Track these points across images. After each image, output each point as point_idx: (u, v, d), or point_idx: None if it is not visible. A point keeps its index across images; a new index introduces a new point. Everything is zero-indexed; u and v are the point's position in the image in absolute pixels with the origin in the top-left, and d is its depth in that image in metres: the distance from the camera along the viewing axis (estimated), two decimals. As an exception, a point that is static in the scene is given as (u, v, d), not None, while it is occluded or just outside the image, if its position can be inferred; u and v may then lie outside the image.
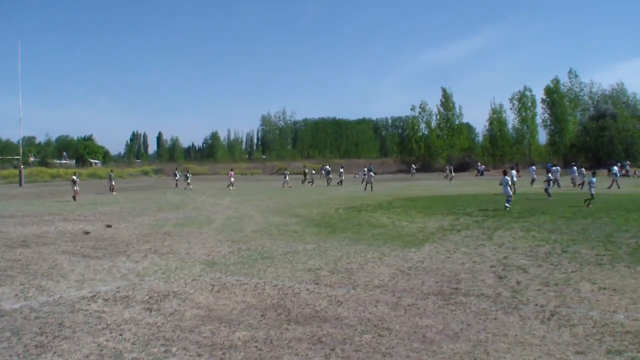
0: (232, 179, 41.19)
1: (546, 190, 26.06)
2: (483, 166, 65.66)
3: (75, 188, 30.41)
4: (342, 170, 50.09)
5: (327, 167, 56.58)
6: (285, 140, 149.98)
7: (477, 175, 53.07)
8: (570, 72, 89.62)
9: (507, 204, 20.85)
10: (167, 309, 7.66)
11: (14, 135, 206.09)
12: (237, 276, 9.84)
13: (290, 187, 42.73)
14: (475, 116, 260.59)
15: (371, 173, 38.36)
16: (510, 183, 21.68)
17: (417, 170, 75.07)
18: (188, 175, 43.85)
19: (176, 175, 47.91)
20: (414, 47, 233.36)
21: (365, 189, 35.66)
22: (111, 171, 42.27)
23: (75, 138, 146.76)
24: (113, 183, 37.59)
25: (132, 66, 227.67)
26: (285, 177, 45.34)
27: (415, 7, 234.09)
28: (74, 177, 31.56)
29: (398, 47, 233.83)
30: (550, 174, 31.42)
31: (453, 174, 54.61)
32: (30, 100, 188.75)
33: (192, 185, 41.64)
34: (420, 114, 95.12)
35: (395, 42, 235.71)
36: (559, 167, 41.14)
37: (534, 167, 44.87)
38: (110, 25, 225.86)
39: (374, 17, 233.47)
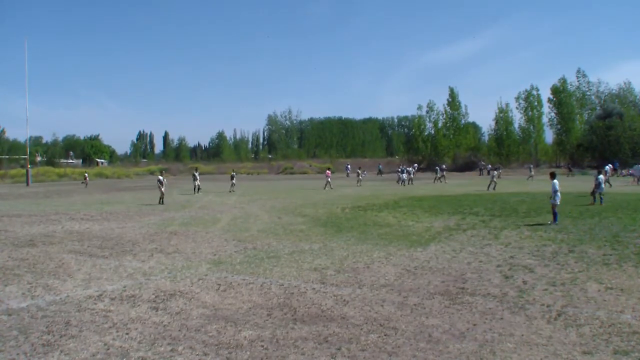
0: (329, 179, 39.88)
1: None
2: (490, 165, 65.26)
3: (163, 189, 27.37)
4: (413, 169, 48.30)
5: (407, 167, 51.19)
6: (291, 140, 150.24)
7: (480, 175, 52.29)
8: (578, 71, 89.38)
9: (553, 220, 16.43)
10: (173, 308, 7.69)
11: (21, 135, 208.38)
12: (243, 275, 9.86)
13: (360, 186, 42.08)
14: (482, 115, 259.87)
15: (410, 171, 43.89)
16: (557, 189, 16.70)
17: (422, 169, 74.78)
18: (234, 175, 39.58)
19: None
20: (419, 46, 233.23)
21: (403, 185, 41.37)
22: (196, 169, 37.72)
23: (82, 138, 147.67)
24: (198, 183, 35.05)
25: (139, 66, 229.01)
26: (359, 176, 45.00)
27: (420, 6, 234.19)
28: (160, 178, 28.02)
29: (403, 46, 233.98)
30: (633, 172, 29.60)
31: (532, 172, 53.41)
32: (37, 100, 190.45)
33: (234, 188, 37.77)
34: (427, 113, 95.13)
35: (400, 41, 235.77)
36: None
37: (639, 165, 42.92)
38: (115, 25, 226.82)
39: (379, 15, 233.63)
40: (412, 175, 46.40)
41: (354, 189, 37.74)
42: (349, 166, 73.69)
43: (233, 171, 43.41)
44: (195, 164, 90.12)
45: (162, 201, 26.89)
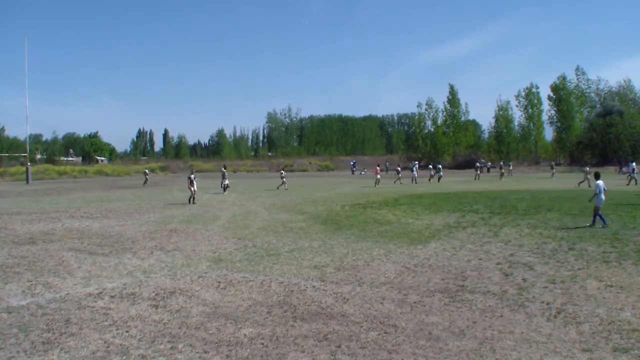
0: (379, 177, 38.02)
1: None
2: (490, 163, 65.13)
3: (193, 188, 25.51)
4: (440, 166, 47.93)
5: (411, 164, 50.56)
6: (291, 138, 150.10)
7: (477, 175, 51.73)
8: (577, 69, 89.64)
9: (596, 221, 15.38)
10: (173, 305, 7.69)
11: (21, 132, 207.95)
12: (243, 273, 9.86)
13: (402, 184, 41.58)
14: (481, 113, 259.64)
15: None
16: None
17: (421, 167, 74.59)
18: (283, 172, 38.20)
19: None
20: (419, 44, 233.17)
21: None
22: (224, 167, 35.99)
23: (82, 135, 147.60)
24: (227, 181, 33.43)
25: (138, 63, 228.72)
26: (398, 173, 44.35)
27: (419, 2, 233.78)
28: (191, 176, 26.00)
29: (403, 43, 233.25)
30: None
31: (554, 169, 53.13)
32: (37, 97, 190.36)
33: (286, 185, 36.42)
34: (426, 110, 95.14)
35: (400, 38, 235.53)
36: None
37: None
38: (115, 23, 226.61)
39: (378, 12, 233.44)
40: (433, 173, 46.52)
41: (370, 188, 37.67)
42: (354, 163, 73.28)
43: (283, 169, 42.00)
44: (193, 162, 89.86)
45: (194, 200, 25.24)
